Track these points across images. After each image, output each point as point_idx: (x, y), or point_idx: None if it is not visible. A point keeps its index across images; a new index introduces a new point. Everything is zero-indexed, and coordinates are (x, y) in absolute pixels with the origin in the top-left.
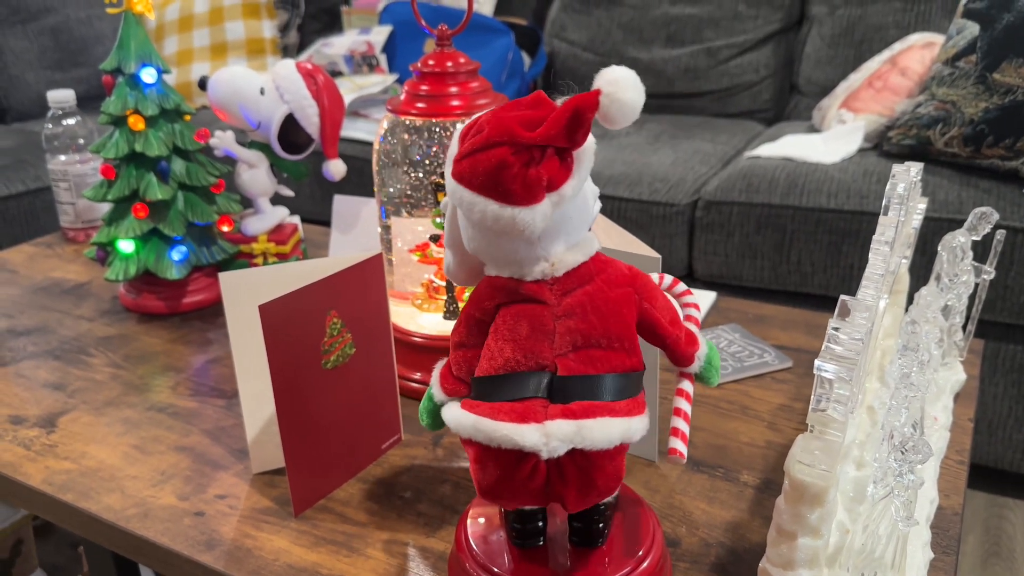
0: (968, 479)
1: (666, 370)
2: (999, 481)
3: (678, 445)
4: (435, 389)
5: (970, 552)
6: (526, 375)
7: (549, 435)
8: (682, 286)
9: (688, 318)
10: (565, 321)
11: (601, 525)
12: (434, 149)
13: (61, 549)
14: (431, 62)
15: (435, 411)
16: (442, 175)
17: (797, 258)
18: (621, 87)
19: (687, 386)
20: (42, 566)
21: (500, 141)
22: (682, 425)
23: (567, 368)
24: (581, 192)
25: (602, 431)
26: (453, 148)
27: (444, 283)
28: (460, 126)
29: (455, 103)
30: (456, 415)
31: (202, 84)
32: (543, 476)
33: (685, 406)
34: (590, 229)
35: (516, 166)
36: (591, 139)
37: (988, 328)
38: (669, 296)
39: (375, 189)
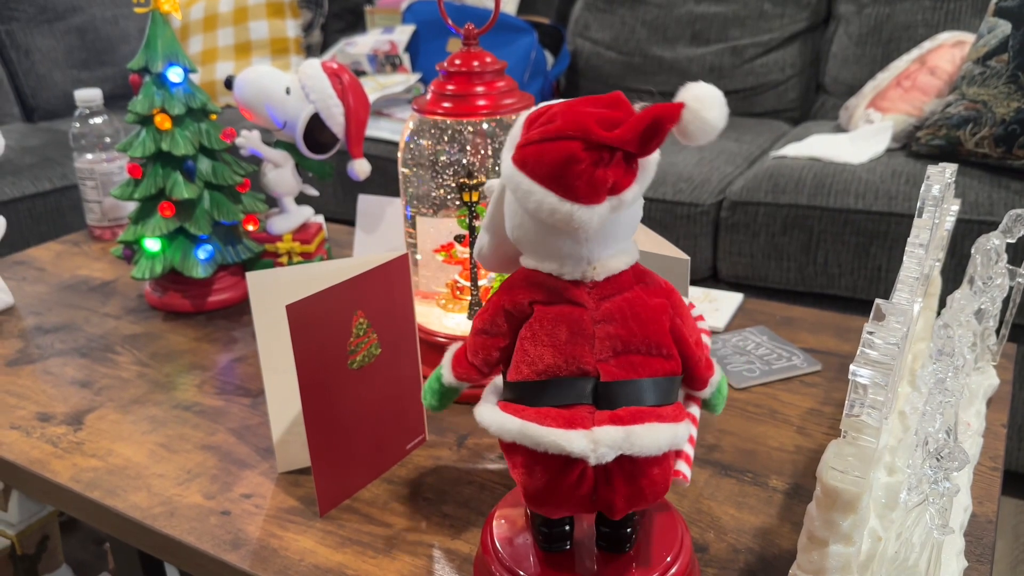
0: None
1: None
2: None
3: (683, 468)
4: (445, 371)
5: (999, 559)
6: (570, 380)
7: (597, 441)
8: (696, 311)
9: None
10: (604, 326)
11: (629, 530)
12: (460, 150)
13: (87, 546)
14: (457, 61)
15: (441, 392)
16: (468, 175)
17: (824, 259)
18: (706, 105)
19: (695, 410)
20: (68, 562)
21: (573, 135)
22: (688, 448)
23: (610, 374)
24: (637, 201)
25: (651, 437)
26: (516, 133)
27: (469, 283)
28: (486, 125)
29: (481, 103)
30: (500, 419)
31: (228, 83)
32: (591, 483)
33: (692, 430)
34: None
35: (585, 163)
36: (657, 152)
37: (1022, 333)
38: None
39: (400, 189)
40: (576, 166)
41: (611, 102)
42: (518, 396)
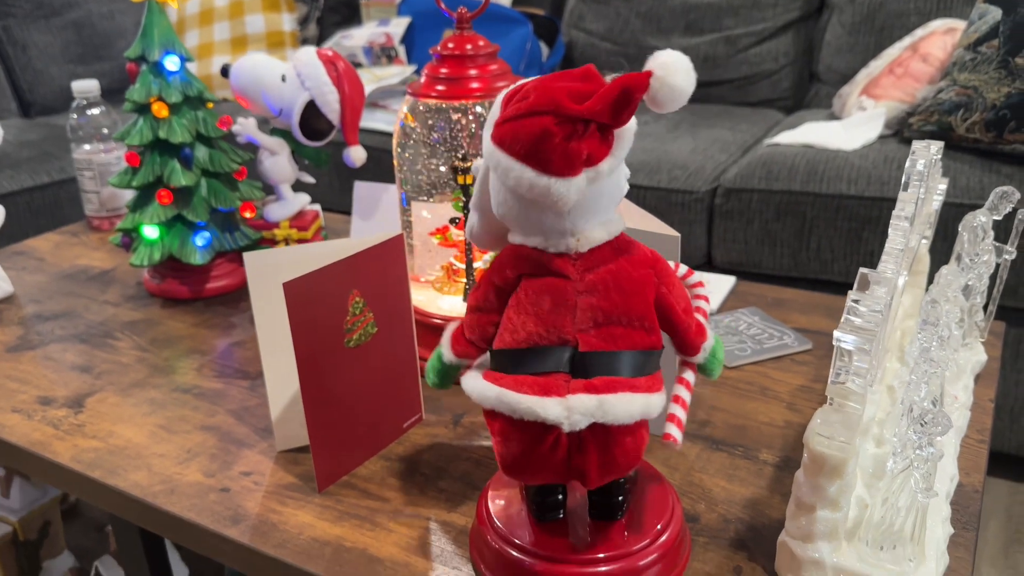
0: (990, 465)
1: None
2: (1022, 469)
3: (673, 431)
4: (445, 349)
5: (992, 539)
6: (548, 349)
7: (571, 409)
8: (696, 277)
9: (698, 309)
10: (587, 298)
11: (620, 499)
12: (455, 132)
13: (88, 532)
14: (450, 45)
15: (443, 371)
16: (462, 158)
17: (817, 245)
18: (672, 71)
19: (689, 376)
20: (69, 549)
21: (545, 110)
22: (679, 412)
23: (588, 344)
24: (616, 172)
25: (624, 406)
26: (495, 111)
27: (464, 266)
28: (480, 107)
29: (475, 85)
30: (479, 386)
31: (224, 72)
32: (564, 450)
33: (685, 394)
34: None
35: (558, 137)
36: (632, 121)
37: (1011, 314)
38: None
39: (395, 174)
40: (550, 140)
41: (582, 75)
42: (499, 364)
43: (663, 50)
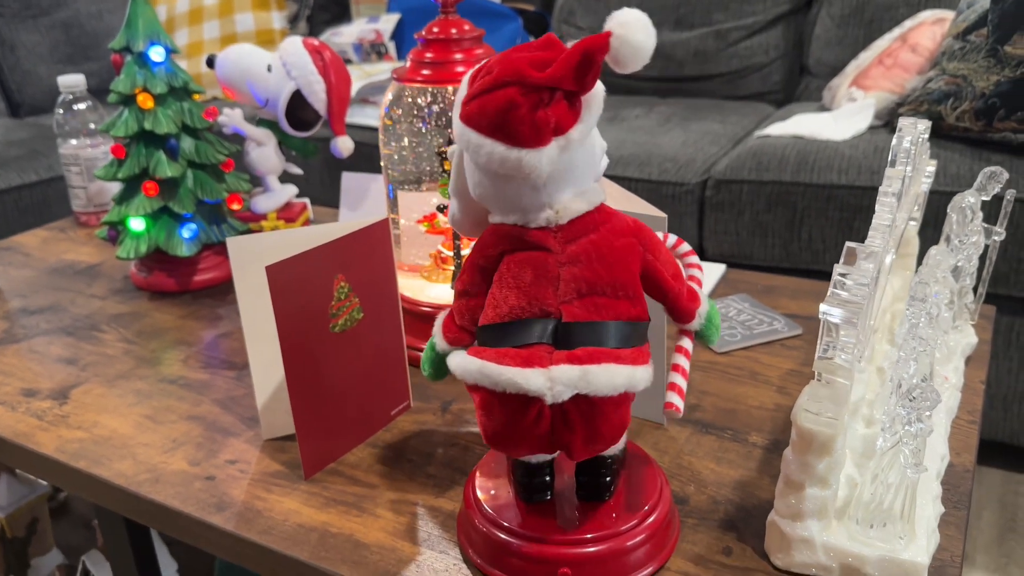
0: (984, 454)
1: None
2: (1015, 457)
3: (675, 399)
4: (437, 338)
5: (986, 528)
6: (531, 321)
7: (554, 380)
8: (686, 247)
9: (691, 278)
10: (570, 268)
11: (608, 479)
12: (440, 117)
13: (77, 529)
14: (435, 29)
15: (437, 361)
16: (448, 142)
17: (808, 235)
18: (632, 29)
19: (686, 343)
20: (58, 546)
21: (509, 81)
22: (679, 380)
23: (572, 315)
24: (588, 140)
25: (607, 377)
26: (462, 91)
27: (452, 253)
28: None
29: (460, 69)
30: (461, 361)
31: (210, 62)
32: (548, 422)
33: (684, 362)
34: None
35: (524, 107)
36: (600, 85)
37: (1003, 302)
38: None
39: (382, 162)
40: (516, 111)
41: (543, 44)
42: (483, 339)
43: (620, 9)
